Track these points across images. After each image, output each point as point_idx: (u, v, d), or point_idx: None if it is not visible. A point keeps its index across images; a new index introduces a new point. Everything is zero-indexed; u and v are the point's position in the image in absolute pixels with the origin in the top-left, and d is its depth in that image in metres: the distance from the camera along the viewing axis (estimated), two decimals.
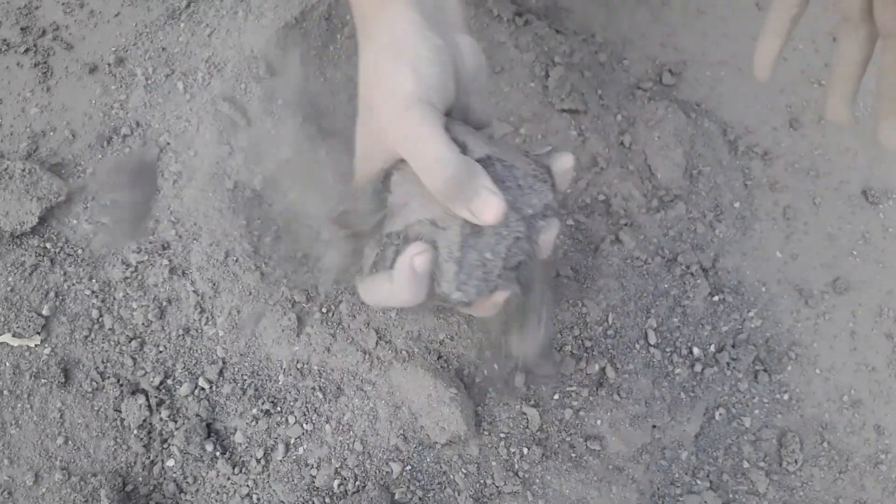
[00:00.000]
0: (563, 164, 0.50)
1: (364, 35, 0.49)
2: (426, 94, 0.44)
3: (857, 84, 0.51)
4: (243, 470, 0.60)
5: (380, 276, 0.49)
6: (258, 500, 0.59)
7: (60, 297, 0.63)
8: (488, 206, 0.43)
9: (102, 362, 0.62)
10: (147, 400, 0.61)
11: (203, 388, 0.61)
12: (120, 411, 0.60)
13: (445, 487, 0.62)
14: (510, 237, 0.48)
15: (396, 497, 0.61)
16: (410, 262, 0.46)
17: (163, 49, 0.71)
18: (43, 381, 0.61)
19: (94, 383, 0.61)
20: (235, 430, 0.61)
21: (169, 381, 0.61)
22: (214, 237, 0.64)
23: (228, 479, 0.59)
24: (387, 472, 0.61)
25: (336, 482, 0.60)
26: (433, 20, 0.46)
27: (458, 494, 0.61)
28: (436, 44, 0.45)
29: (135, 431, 0.60)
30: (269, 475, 0.60)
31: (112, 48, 0.71)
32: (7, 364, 0.61)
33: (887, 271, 0.75)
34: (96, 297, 0.63)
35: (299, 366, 0.63)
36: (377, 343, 0.63)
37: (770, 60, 0.52)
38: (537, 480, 0.63)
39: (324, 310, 0.63)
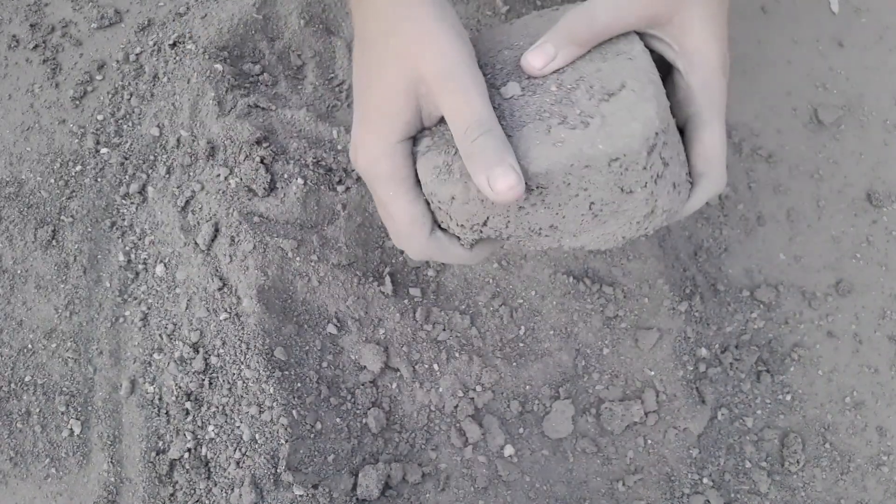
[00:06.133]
0: None
1: None
2: (470, 57, 0.45)
3: None
4: None
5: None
6: None
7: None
8: (503, 181, 0.42)
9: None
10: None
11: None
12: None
13: None
14: None
15: None
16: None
17: (172, 45, 0.71)
18: None
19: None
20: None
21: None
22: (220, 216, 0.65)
23: None
24: None
25: None
26: None
27: None
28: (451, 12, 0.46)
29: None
30: None
31: (121, 44, 0.71)
32: None
33: (890, 274, 0.75)
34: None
35: None
36: None
37: None
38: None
39: None
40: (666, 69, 0.49)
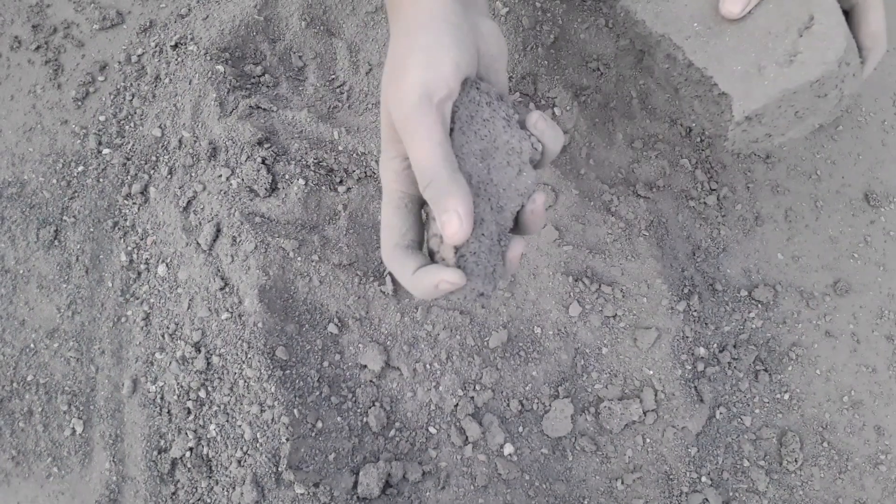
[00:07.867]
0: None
1: (394, 18, 0.49)
2: (434, 87, 0.44)
3: None
4: None
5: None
6: None
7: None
8: (449, 226, 0.43)
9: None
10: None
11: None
12: None
13: None
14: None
15: None
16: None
17: (174, 46, 0.71)
18: None
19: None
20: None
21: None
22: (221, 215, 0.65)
23: None
24: None
25: None
26: (462, 3, 0.47)
27: None
28: (459, 27, 0.46)
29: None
30: None
31: (122, 45, 0.72)
32: None
33: (888, 274, 0.75)
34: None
35: None
36: None
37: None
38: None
39: None
40: None
